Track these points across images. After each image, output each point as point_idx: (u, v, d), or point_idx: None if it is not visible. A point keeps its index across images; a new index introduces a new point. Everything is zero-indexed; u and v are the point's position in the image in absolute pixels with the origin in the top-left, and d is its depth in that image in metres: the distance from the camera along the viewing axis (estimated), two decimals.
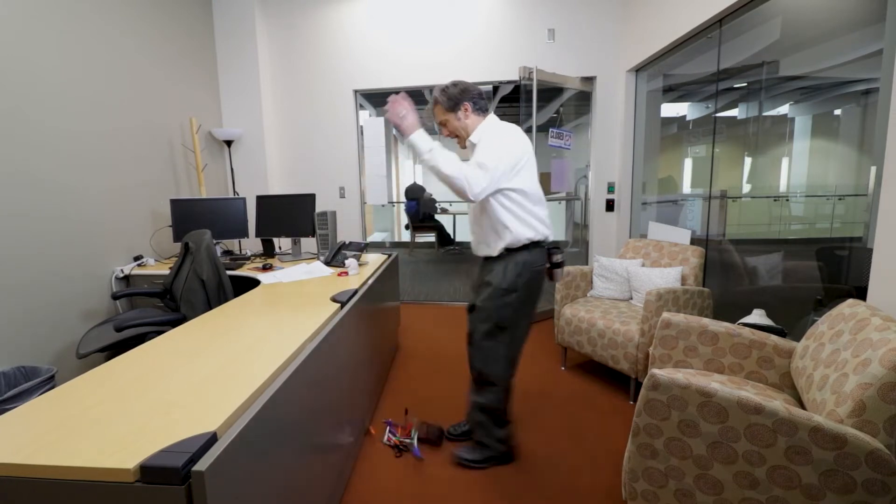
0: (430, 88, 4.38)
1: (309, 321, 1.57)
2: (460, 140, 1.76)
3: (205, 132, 3.69)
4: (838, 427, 1.04)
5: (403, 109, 1.61)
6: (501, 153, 1.60)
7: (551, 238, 1.77)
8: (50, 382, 1.93)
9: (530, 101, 3.40)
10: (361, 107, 4.35)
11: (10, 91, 2.09)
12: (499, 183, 1.61)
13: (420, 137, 1.59)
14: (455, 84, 1.72)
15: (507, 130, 1.69)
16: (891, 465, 1.01)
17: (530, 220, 1.69)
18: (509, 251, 1.70)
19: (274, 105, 4.13)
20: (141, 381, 1.11)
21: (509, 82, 3.93)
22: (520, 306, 1.71)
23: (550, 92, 3.92)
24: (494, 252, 1.72)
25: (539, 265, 1.74)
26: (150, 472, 0.78)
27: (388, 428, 2.02)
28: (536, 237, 1.71)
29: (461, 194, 1.56)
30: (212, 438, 0.86)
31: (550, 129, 3.67)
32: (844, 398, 1.14)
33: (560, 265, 1.80)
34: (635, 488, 1.31)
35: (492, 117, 1.74)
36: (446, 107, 1.71)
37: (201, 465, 0.78)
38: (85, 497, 0.79)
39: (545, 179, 2.72)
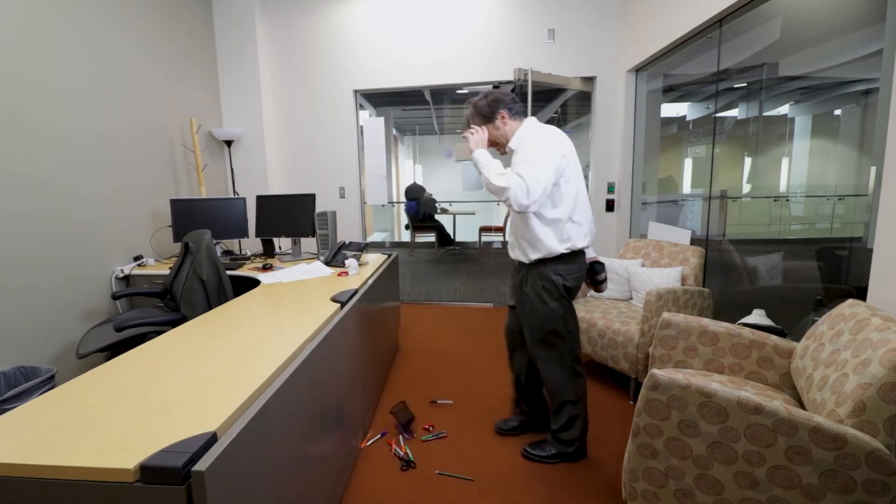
0: (430, 88, 4.38)
1: (309, 321, 1.57)
2: (499, 147, 1.76)
3: (205, 132, 3.69)
4: (838, 427, 1.04)
5: (477, 130, 1.73)
6: (540, 164, 1.57)
7: (590, 240, 1.76)
8: (50, 382, 1.93)
9: (526, 103, 3.40)
10: (361, 107, 4.35)
11: (10, 91, 2.09)
12: (543, 196, 1.59)
13: (482, 154, 1.69)
14: (485, 96, 1.74)
15: (545, 136, 1.65)
16: (891, 465, 1.01)
17: (568, 229, 1.66)
18: (543, 261, 1.69)
19: (274, 105, 4.13)
20: (141, 381, 1.11)
21: (509, 82, 3.93)
22: (565, 311, 1.73)
23: (550, 92, 3.92)
24: (526, 260, 1.72)
25: (577, 273, 1.73)
26: (150, 472, 0.78)
27: (401, 436, 2.02)
28: (573, 248, 1.68)
29: (507, 205, 1.61)
30: (212, 438, 0.86)
31: None
32: (844, 398, 1.14)
33: (604, 281, 1.85)
34: (635, 488, 1.31)
35: (530, 121, 1.73)
36: (482, 120, 1.74)
37: (201, 465, 0.78)
38: (85, 497, 0.79)
39: None
